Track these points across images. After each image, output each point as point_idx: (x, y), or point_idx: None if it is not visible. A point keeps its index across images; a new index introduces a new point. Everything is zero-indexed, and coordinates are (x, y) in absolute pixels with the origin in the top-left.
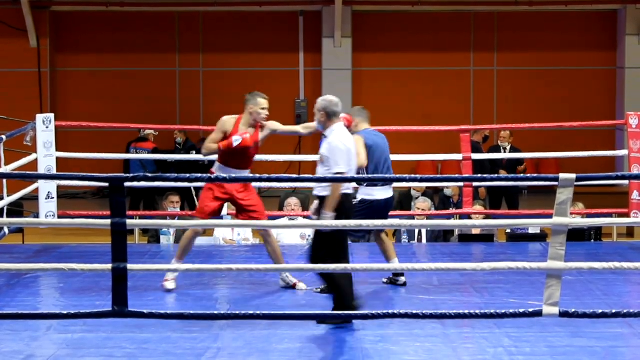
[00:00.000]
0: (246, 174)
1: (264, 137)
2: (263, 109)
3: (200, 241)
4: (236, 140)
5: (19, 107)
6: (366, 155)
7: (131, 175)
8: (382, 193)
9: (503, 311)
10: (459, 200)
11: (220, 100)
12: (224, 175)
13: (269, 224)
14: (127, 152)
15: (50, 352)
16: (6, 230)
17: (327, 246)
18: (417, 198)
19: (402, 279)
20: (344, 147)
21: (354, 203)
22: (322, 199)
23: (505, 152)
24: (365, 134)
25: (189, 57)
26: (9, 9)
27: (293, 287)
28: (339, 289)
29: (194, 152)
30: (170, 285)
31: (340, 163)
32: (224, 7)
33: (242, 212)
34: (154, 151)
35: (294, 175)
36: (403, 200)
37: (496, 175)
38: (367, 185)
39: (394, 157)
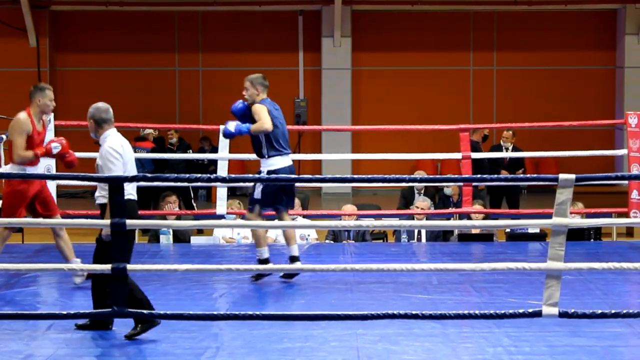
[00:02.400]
0: (40, 165)
1: (48, 129)
2: (51, 100)
3: (200, 240)
4: (55, 148)
5: (18, 106)
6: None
7: (130, 175)
8: (284, 161)
9: (503, 312)
10: (459, 199)
11: (219, 99)
12: (224, 176)
13: (269, 224)
14: None
15: (49, 352)
16: None
17: (107, 252)
18: (419, 193)
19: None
20: (117, 154)
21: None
22: (102, 207)
23: (507, 152)
24: (266, 103)
25: (189, 57)
26: (8, 8)
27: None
28: (100, 294)
29: (190, 151)
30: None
31: (114, 170)
32: (223, 7)
33: (41, 208)
34: (153, 151)
35: (293, 176)
36: (407, 197)
37: (495, 175)
38: (269, 157)
39: (393, 156)
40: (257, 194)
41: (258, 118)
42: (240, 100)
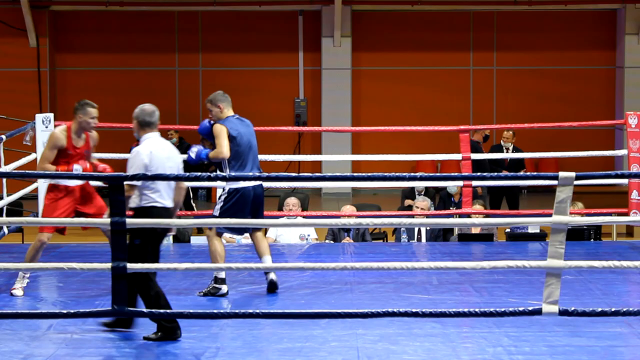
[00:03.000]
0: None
1: (94, 145)
2: (92, 118)
3: (200, 240)
4: (77, 170)
5: (18, 106)
6: (229, 145)
7: (130, 174)
8: (249, 181)
9: (502, 310)
10: (460, 199)
11: None
12: (224, 174)
13: (268, 223)
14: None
15: (49, 352)
16: (5, 229)
17: (138, 251)
18: (420, 194)
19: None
20: (140, 159)
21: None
22: (133, 210)
23: (508, 152)
24: (229, 123)
25: (189, 57)
26: (8, 8)
27: None
28: (146, 293)
29: None
30: (18, 292)
31: (135, 173)
32: (223, 7)
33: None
34: None
35: (293, 174)
36: (408, 197)
37: (495, 174)
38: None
39: (394, 157)
40: (216, 211)
41: (217, 143)
42: (207, 120)
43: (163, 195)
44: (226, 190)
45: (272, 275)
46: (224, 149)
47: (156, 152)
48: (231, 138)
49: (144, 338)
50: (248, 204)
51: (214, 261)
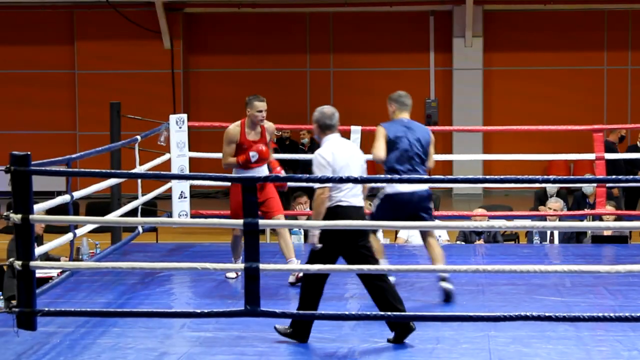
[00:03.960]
0: (264, 169)
1: (271, 134)
2: (259, 111)
3: None
4: (253, 156)
5: (153, 107)
6: (385, 147)
7: (263, 176)
8: (404, 186)
9: (639, 315)
10: (595, 200)
11: (350, 100)
12: (354, 176)
13: (400, 225)
14: None
15: (183, 350)
16: (140, 229)
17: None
18: (551, 196)
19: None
20: (324, 161)
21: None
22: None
23: None
24: (391, 125)
25: (320, 58)
26: (143, 11)
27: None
28: (306, 298)
29: None
30: (231, 275)
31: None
32: (354, 8)
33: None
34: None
35: (436, 177)
36: (541, 198)
37: (631, 176)
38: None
39: (525, 156)
40: (373, 207)
41: (373, 145)
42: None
43: (349, 194)
44: (383, 195)
45: (445, 284)
46: (376, 150)
47: (338, 152)
48: (388, 140)
49: (275, 328)
50: (402, 210)
51: None
